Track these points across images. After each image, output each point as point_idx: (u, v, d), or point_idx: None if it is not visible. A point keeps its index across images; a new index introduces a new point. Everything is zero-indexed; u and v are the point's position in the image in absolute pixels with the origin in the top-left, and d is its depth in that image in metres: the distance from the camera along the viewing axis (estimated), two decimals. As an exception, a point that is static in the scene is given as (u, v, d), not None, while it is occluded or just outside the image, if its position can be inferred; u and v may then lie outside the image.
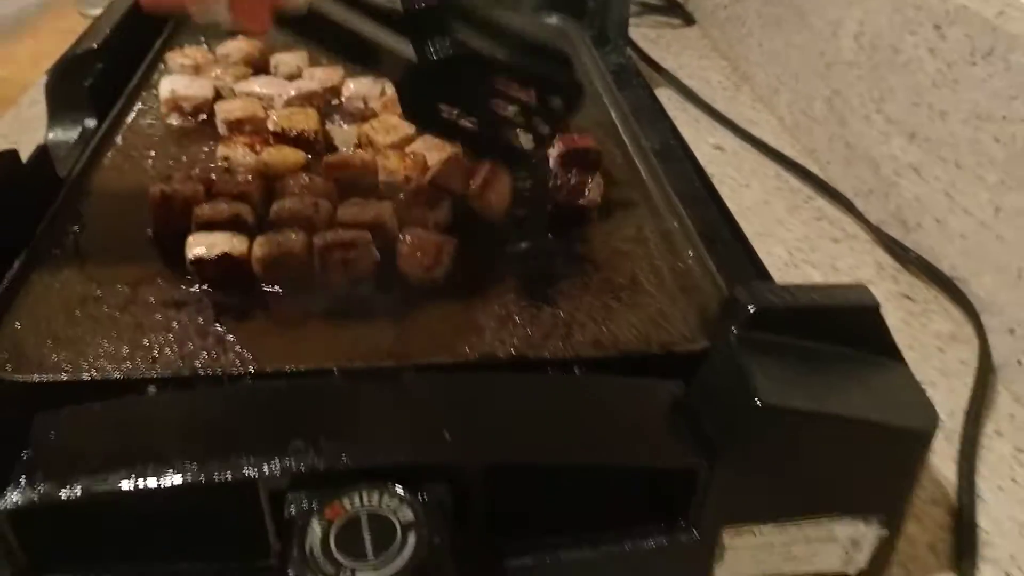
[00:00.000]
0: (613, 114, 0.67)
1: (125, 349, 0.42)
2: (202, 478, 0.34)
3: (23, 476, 0.34)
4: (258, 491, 0.34)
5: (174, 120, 0.63)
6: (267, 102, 0.63)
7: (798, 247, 0.67)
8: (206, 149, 0.59)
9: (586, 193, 0.53)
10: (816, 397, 0.36)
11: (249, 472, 0.34)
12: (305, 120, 0.59)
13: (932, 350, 0.57)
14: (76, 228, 0.51)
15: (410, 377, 0.40)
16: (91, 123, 0.62)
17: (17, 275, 0.46)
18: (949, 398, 0.53)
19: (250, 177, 0.52)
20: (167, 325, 0.43)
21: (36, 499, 0.34)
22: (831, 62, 0.74)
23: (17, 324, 0.43)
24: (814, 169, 0.76)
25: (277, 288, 0.47)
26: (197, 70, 0.68)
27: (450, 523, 0.34)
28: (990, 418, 0.52)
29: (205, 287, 0.46)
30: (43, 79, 0.64)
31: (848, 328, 0.39)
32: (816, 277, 0.64)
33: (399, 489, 0.33)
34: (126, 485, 0.34)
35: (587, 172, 0.54)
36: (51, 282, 0.46)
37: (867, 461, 0.37)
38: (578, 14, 0.81)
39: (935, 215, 0.61)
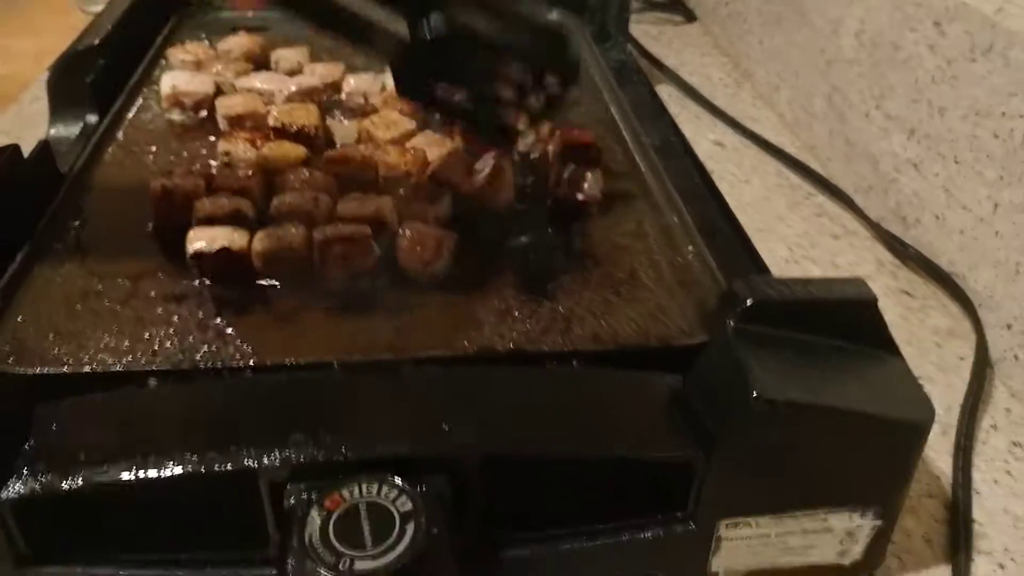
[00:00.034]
0: (613, 110, 0.67)
1: (126, 342, 0.42)
2: (202, 469, 0.34)
3: (25, 467, 0.35)
4: (258, 482, 0.35)
5: (175, 116, 0.63)
6: (268, 98, 0.63)
7: (798, 243, 0.67)
8: (207, 144, 0.60)
9: (585, 188, 0.53)
10: (813, 390, 0.36)
11: (249, 463, 0.34)
12: (305, 116, 0.59)
13: (930, 345, 0.57)
14: (77, 223, 0.51)
15: (409, 370, 0.40)
16: (92, 119, 0.62)
17: (19, 269, 0.46)
18: (946, 393, 0.53)
19: (250, 172, 0.52)
20: (168, 319, 0.44)
21: (38, 489, 0.34)
22: (831, 59, 0.74)
23: (19, 318, 0.43)
24: (814, 165, 0.76)
25: (277, 282, 0.47)
26: (198, 66, 0.68)
27: (449, 514, 0.34)
28: (986, 412, 0.52)
29: (205, 281, 0.46)
30: (44, 75, 0.64)
31: (845, 322, 0.39)
32: (816, 273, 0.64)
33: (398, 480, 0.34)
34: (127, 475, 0.34)
35: (587, 168, 0.54)
36: (52, 276, 0.46)
37: (863, 453, 0.38)
38: (579, 10, 0.81)
39: (934, 211, 0.61)
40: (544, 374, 0.42)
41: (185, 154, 0.59)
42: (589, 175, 0.54)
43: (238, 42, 0.71)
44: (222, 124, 0.61)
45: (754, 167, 0.77)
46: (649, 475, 0.39)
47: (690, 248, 0.51)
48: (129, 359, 0.41)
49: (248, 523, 0.36)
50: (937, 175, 0.61)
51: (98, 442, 0.36)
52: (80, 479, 0.34)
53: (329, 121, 0.62)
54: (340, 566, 0.31)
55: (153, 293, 0.45)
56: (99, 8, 0.74)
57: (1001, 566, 0.43)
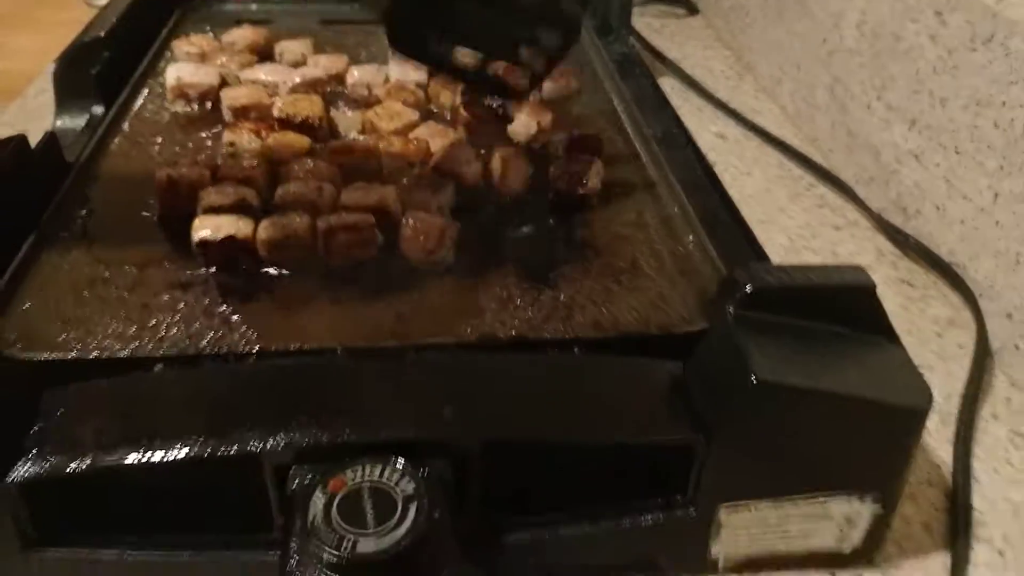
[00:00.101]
0: (615, 101, 0.67)
1: (132, 329, 0.42)
2: (207, 452, 0.34)
3: (33, 450, 0.35)
4: (262, 465, 0.35)
5: (180, 107, 0.63)
6: (272, 89, 0.64)
7: (799, 234, 0.67)
8: (212, 135, 0.60)
9: (585, 182, 0.53)
10: (812, 375, 0.37)
11: (253, 446, 0.35)
12: (309, 106, 0.59)
13: (930, 335, 0.58)
14: (84, 212, 0.51)
15: (412, 357, 0.41)
16: (98, 110, 0.62)
17: (26, 257, 0.47)
18: (947, 382, 0.54)
19: (255, 162, 0.53)
20: (174, 305, 0.44)
21: (45, 472, 0.34)
22: (833, 50, 0.75)
23: (27, 305, 0.44)
24: (816, 157, 0.76)
25: (282, 270, 0.47)
26: (203, 58, 0.68)
27: (450, 498, 0.34)
28: (987, 401, 0.53)
29: (211, 269, 0.47)
30: (50, 68, 0.65)
31: (844, 308, 0.39)
32: (817, 263, 0.64)
33: (401, 463, 0.34)
34: (132, 458, 0.34)
35: (588, 158, 0.54)
36: (60, 264, 0.47)
37: (862, 438, 0.38)
38: (581, 2, 0.81)
39: (935, 201, 0.61)
40: (545, 360, 0.42)
41: (190, 145, 0.59)
42: (591, 169, 0.54)
43: (242, 34, 0.71)
44: (227, 115, 0.61)
45: (756, 159, 0.77)
46: (650, 460, 0.39)
47: (691, 238, 0.51)
48: (136, 345, 0.41)
49: (252, 506, 0.36)
50: (938, 165, 0.61)
51: (105, 426, 0.36)
52: (87, 462, 0.35)
53: (333, 112, 0.62)
54: (343, 547, 0.31)
55: (159, 281, 0.46)
56: (104, 1, 0.74)
57: (1000, 553, 0.44)
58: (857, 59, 0.71)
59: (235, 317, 0.43)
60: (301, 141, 0.57)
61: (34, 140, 0.53)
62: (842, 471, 0.39)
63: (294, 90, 0.64)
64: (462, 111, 0.61)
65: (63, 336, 0.42)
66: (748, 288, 0.39)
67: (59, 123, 0.62)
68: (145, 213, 0.51)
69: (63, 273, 0.46)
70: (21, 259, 0.47)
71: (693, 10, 1.07)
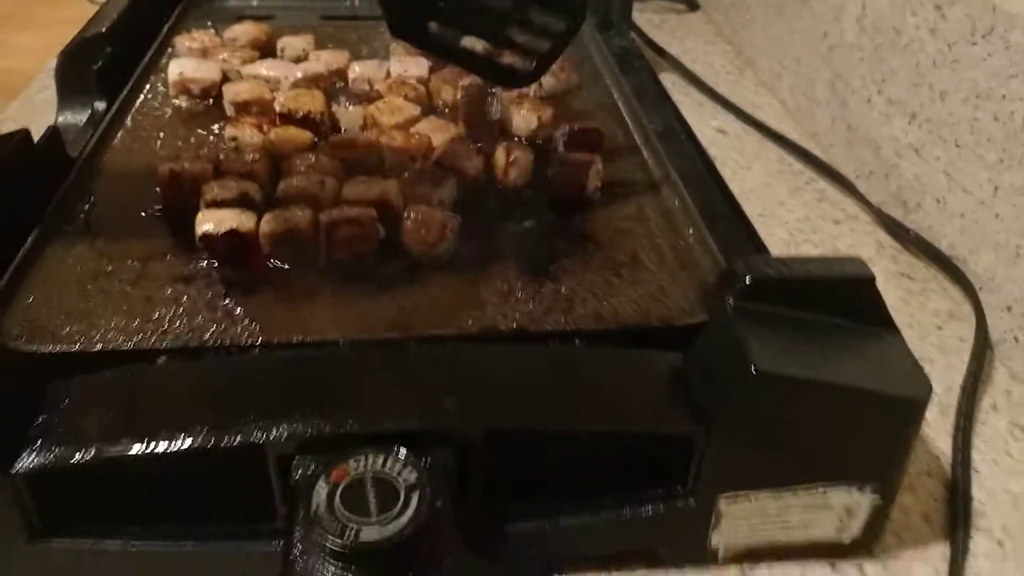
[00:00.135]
0: (616, 95, 0.67)
1: (136, 322, 0.43)
2: (211, 443, 0.35)
3: (38, 441, 0.35)
4: (266, 456, 0.35)
5: (182, 102, 0.64)
6: (274, 84, 0.64)
7: (799, 228, 0.67)
8: (214, 130, 0.60)
9: (584, 186, 0.53)
10: (811, 365, 0.37)
11: (257, 437, 0.35)
12: (311, 101, 0.59)
13: (931, 328, 0.58)
14: (87, 206, 0.52)
15: (414, 348, 0.41)
16: (101, 105, 0.63)
17: (30, 251, 0.47)
18: (947, 374, 0.54)
19: (257, 156, 0.53)
20: (177, 299, 0.44)
21: (50, 462, 0.35)
22: (833, 45, 0.75)
23: (30, 298, 0.44)
24: (816, 151, 0.76)
25: (284, 264, 0.47)
26: (204, 54, 0.69)
27: (452, 487, 0.35)
28: (987, 393, 0.53)
29: (214, 263, 0.47)
30: (52, 65, 0.65)
31: (843, 299, 0.40)
32: (817, 257, 0.64)
33: (403, 453, 0.34)
34: (136, 449, 0.35)
35: (587, 158, 0.54)
36: (63, 258, 0.47)
37: (861, 429, 0.38)
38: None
39: (935, 195, 0.62)
40: (546, 352, 0.42)
41: (192, 139, 0.59)
42: (589, 171, 0.54)
43: (244, 30, 0.71)
44: (229, 110, 0.62)
45: (756, 153, 0.77)
46: (650, 451, 0.39)
47: (691, 231, 0.51)
48: (139, 338, 0.42)
49: (255, 496, 0.36)
50: (938, 159, 0.61)
51: (109, 417, 0.36)
52: (91, 453, 0.35)
53: (334, 107, 0.62)
54: (346, 535, 0.31)
55: (162, 274, 0.46)
56: (104, -1, 0.75)
57: (1000, 544, 0.44)
58: (857, 53, 0.71)
59: (238, 310, 0.44)
60: (303, 136, 0.57)
61: (37, 136, 0.53)
62: (841, 462, 0.39)
63: (296, 85, 0.64)
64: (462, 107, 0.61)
65: (67, 329, 0.42)
66: (747, 280, 0.39)
67: (61, 118, 0.62)
68: (148, 207, 0.51)
69: (66, 267, 0.46)
70: (25, 253, 0.47)
71: (693, 6, 1.07)
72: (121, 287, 0.45)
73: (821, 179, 0.74)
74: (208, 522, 0.37)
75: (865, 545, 0.42)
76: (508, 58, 0.48)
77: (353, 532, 0.32)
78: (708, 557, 0.41)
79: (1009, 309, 0.55)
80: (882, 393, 0.38)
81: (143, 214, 0.51)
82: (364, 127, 0.60)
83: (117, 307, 0.43)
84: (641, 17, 0.99)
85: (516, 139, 0.59)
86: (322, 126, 0.59)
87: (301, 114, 0.58)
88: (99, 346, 0.41)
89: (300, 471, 0.35)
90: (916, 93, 0.63)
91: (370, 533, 0.32)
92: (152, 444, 0.35)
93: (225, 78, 0.65)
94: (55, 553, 0.37)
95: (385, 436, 0.35)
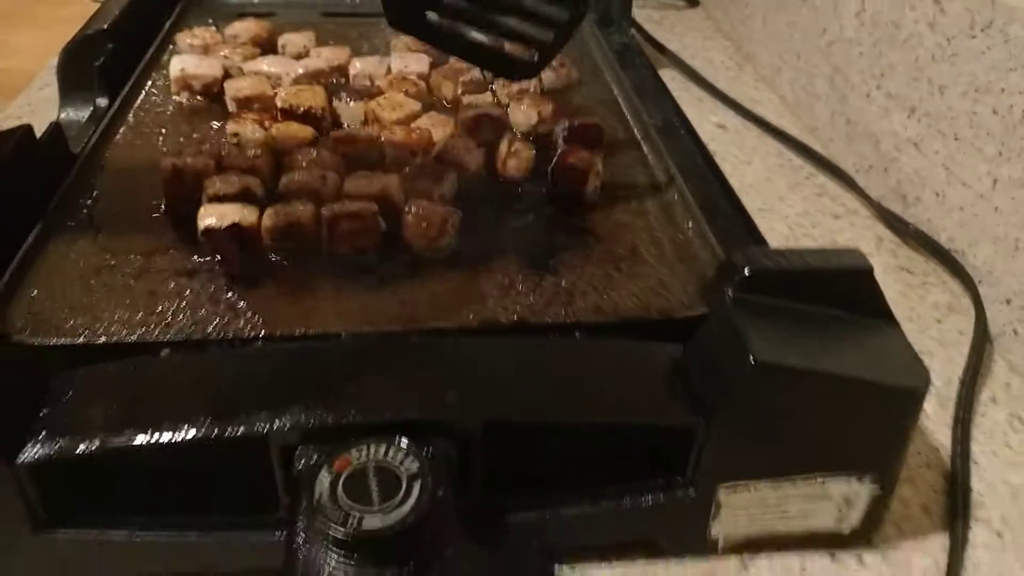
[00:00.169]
0: (616, 91, 0.68)
1: (139, 315, 0.43)
2: (214, 434, 0.35)
3: (42, 432, 0.36)
4: (269, 446, 0.36)
5: (184, 98, 0.64)
6: (275, 80, 0.64)
7: (799, 223, 0.68)
8: (216, 126, 0.61)
9: (584, 187, 0.54)
10: (810, 356, 0.37)
11: (260, 427, 0.35)
12: (312, 97, 0.60)
13: (930, 321, 0.58)
14: (90, 201, 0.52)
15: (415, 341, 0.41)
16: (103, 102, 0.63)
17: (33, 246, 0.47)
18: (946, 367, 0.54)
19: (259, 152, 0.53)
20: (180, 292, 0.44)
21: (54, 453, 0.35)
22: (832, 40, 0.75)
23: (34, 292, 0.44)
24: (815, 146, 0.76)
25: (286, 258, 0.48)
26: (206, 50, 0.69)
27: (454, 477, 0.35)
28: (986, 386, 0.53)
29: (216, 257, 0.47)
30: (53, 63, 0.65)
31: (842, 291, 0.40)
32: (816, 252, 0.64)
33: (405, 443, 0.35)
34: (140, 440, 0.35)
35: (587, 156, 0.54)
36: (66, 252, 0.47)
37: (860, 419, 0.38)
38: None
39: (934, 188, 0.62)
40: (547, 344, 0.42)
41: (195, 135, 0.60)
42: (589, 173, 0.53)
43: (245, 27, 0.72)
44: (231, 106, 0.62)
45: (755, 148, 0.77)
46: (650, 441, 0.40)
47: (690, 225, 0.52)
48: (142, 331, 0.42)
49: (258, 487, 0.37)
50: (937, 153, 0.61)
51: (112, 409, 0.37)
52: (95, 444, 0.35)
53: (336, 103, 0.63)
54: (349, 523, 0.32)
55: (165, 268, 0.46)
56: (104, -3, 0.75)
57: (999, 535, 0.44)
58: (856, 48, 0.71)
59: (241, 304, 0.44)
60: (304, 131, 0.57)
61: (39, 132, 0.53)
62: (840, 452, 0.40)
63: (297, 81, 0.64)
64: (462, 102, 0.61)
65: (71, 322, 0.42)
66: (746, 271, 0.39)
67: (64, 115, 0.63)
68: (150, 203, 0.51)
69: (70, 261, 0.47)
70: (28, 248, 0.47)
71: (693, 2, 1.08)
72: (124, 281, 0.45)
73: (821, 174, 0.74)
74: (212, 512, 0.38)
75: (864, 535, 0.43)
76: (510, 48, 0.47)
77: (356, 520, 0.32)
78: (708, 547, 0.41)
79: (1008, 302, 0.55)
80: (880, 383, 0.38)
81: (145, 209, 0.51)
82: (365, 122, 0.60)
83: (120, 300, 0.44)
84: (641, 13, 0.99)
85: (516, 134, 0.59)
86: (323, 122, 0.59)
87: (302, 110, 0.59)
88: (103, 339, 0.41)
89: (303, 461, 0.35)
90: (915, 87, 0.63)
91: (373, 521, 0.32)
92: (156, 435, 0.35)
93: (226, 74, 0.65)
94: (60, 544, 0.37)
95: (387, 426, 0.35)
